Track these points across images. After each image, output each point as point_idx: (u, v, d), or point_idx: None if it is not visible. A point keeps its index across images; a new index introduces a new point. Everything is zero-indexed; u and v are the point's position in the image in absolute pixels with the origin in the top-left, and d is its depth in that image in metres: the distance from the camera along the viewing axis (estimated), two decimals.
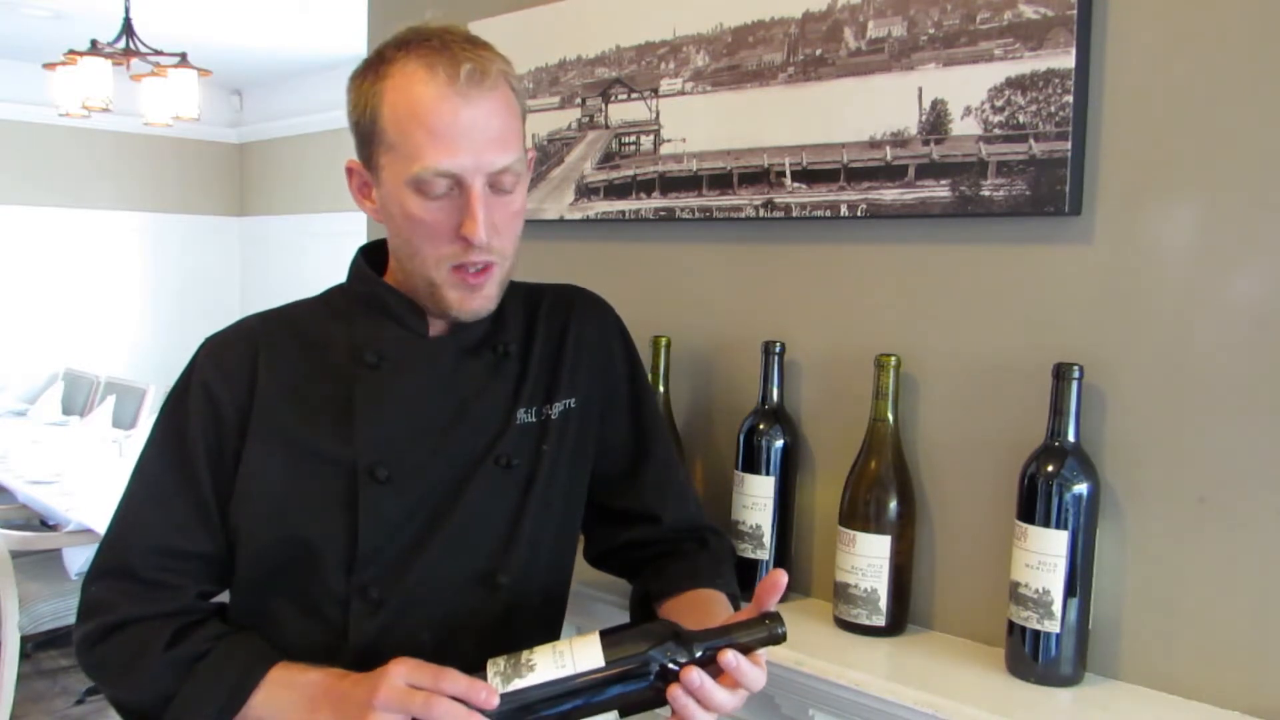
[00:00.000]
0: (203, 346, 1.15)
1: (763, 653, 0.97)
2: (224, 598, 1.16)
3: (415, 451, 1.10)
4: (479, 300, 1.10)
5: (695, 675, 0.92)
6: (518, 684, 0.92)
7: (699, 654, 0.94)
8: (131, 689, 1.07)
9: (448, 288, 1.09)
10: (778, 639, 0.95)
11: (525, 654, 0.95)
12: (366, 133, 1.09)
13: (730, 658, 0.93)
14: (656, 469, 1.24)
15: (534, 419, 1.16)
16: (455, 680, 0.92)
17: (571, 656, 0.93)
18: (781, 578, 0.98)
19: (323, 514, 1.09)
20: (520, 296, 1.23)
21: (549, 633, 1.21)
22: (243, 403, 1.10)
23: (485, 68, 1.04)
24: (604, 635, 0.96)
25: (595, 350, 1.23)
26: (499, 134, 1.05)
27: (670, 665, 0.93)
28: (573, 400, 1.19)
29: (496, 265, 1.10)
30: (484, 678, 0.93)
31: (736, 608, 1.15)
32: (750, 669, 0.94)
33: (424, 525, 1.10)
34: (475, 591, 1.11)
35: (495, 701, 0.91)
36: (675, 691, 0.93)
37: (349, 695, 0.97)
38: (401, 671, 0.93)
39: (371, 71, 1.08)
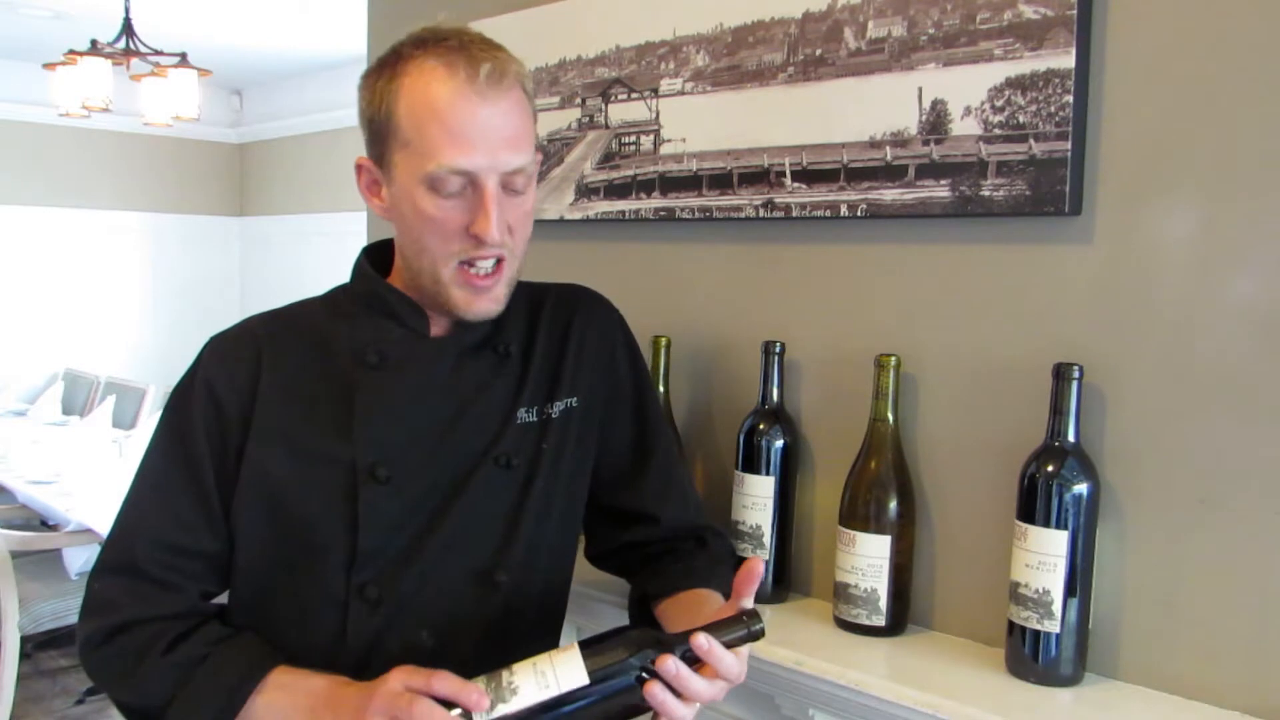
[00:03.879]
0: (207, 345, 1.16)
1: (745, 650, 0.97)
2: (223, 598, 1.16)
3: (415, 451, 1.11)
4: (486, 301, 1.10)
5: (671, 664, 0.93)
6: (501, 710, 0.92)
7: (679, 655, 0.95)
8: (132, 692, 1.07)
9: (454, 287, 1.09)
10: (756, 636, 0.96)
11: (506, 675, 0.94)
12: (380, 129, 1.08)
13: (702, 639, 0.93)
14: (658, 470, 1.24)
15: (534, 418, 1.16)
16: (446, 681, 0.92)
17: (554, 676, 0.93)
18: (758, 565, 0.99)
19: (323, 514, 1.09)
20: (523, 295, 1.23)
21: (549, 632, 1.21)
22: (245, 402, 1.11)
23: (503, 68, 1.05)
24: (584, 647, 0.96)
25: (598, 350, 1.23)
26: (514, 134, 1.06)
27: (651, 671, 0.94)
28: (574, 399, 1.19)
29: (506, 264, 1.10)
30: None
31: None
32: (724, 654, 0.94)
33: (423, 524, 1.10)
34: (474, 590, 1.11)
35: (486, 704, 0.91)
36: (652, 685, 0.93)
37: (347, 700, 0.97)
38: (399, 677, 0.94)
39: (388, 69, 1.08)
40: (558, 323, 1.22)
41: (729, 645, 0.95)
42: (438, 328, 1.16)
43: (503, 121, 1.05)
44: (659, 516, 1.22)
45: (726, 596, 1.15)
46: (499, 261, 1.09)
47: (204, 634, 1.07)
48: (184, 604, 1.09)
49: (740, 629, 0.95)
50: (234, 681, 1.02)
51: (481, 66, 1.04)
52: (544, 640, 1.20)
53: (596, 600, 1.37)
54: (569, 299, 1.25)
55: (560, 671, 0.93)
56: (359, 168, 1.15)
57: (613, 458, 1.23)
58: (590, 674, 0.93)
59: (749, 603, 1.00)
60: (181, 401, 1.13)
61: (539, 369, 1.18)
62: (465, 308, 1.10)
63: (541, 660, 0.95)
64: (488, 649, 1.09)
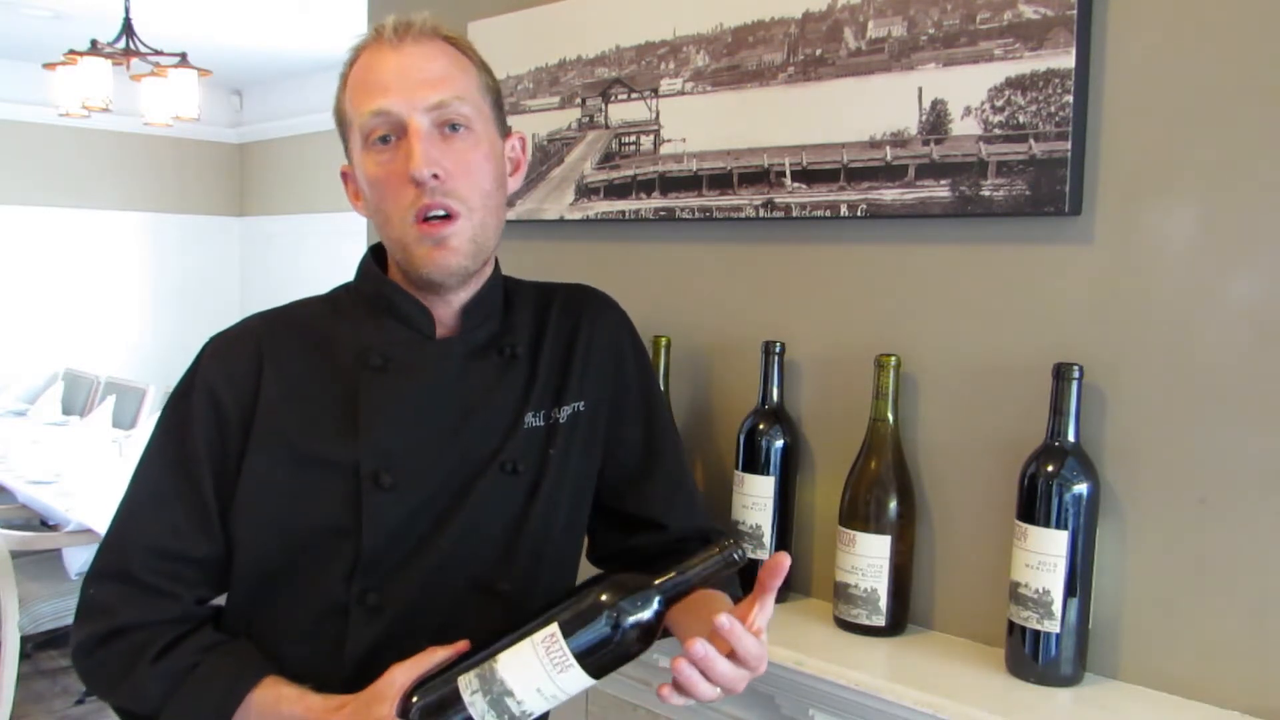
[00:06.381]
0: (207, 346, 1.14)
1: (764, 637, 0.97)
2: (220, 601, 1.16)
3: (420, 456, 1.09)
4: (446, 254, 1.07)
5: (700, 646, 0.92)
6: None
7: (659, 599, 0.94)
8: (124, 697, 1.07)
9: (417, 246, 1.07)
10: (733, 562, 0.94)
11: (503, 693, 0.92)
12: (340, 127, 1.14)
13: (724, 620, 0.93)
14: (665, 475, 1.23)
15: (541, 422, 1.14)
16: (436, 653, 0.97)
17: (558, 688, 0.92)
18: (785, 560, 0.96)
19: (325, 519, 1.08)
20: (530, 295, 1.22)
21: None
22: (247, 406, 1.09)
23: (411, 20, 1.09)
24: (578, 655, 0.92)
25: (606, 353, 1.21)
26: (434, 76, 1.08)
27: (640, 618, 0.93)
28: (581, 403, 1.18)
29: (461, 216, 1.07)
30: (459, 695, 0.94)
31: None
32: (743, 634, 0.93)
33: (426, 532, 1.09)
34: (476, 599, 1.10)
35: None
36: (680, 664, 0.92)
37: None
38: (394, 692, 0.95)
39: (340, 78, 1.14)
40: (565, 324, 1.20)
41: (710, 575, 0.94)
42: (443, 328, 1.15)
43: (418, 64, 1.08)
44: (665, 523, 1.21)
45: (731, 596, 1.15)
46: (450, 216, 1.07)
47: (196, 640, 1.07)
48: (178, 610, 1.08)
49: (716, 558, 0.94)
50: (220, 694, 1.02)
51: (388, 22, 1.09)
52: None
53: None
54: (576, 300, 1.24)
55: (562, 682, 0.92)
56: (344, 176, 1.18)
57: (619, 462, 1.22)
58: (591, 669, 0.92)
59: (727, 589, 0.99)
60: (181, 403, 1.11)
61: (546, 372, 1.17)
62: (427, 263, 1.07)
63: (537, 671, 0.92)
64: None
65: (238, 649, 1.07)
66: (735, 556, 0.94)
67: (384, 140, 1.07)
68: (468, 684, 0.93)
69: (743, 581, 1.30)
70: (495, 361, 1.15)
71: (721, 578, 1.02)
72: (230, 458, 1.09)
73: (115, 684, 1.07)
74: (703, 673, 0.93)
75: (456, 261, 1.08)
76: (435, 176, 1.05)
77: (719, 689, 0.95)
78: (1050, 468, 1.09)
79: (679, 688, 0.94)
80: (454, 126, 1.08)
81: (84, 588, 1.10)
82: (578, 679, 0.92)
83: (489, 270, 1.17)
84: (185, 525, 1.09)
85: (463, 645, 0.98)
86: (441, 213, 1.06)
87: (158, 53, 4.39)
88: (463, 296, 1.14)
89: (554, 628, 0.93)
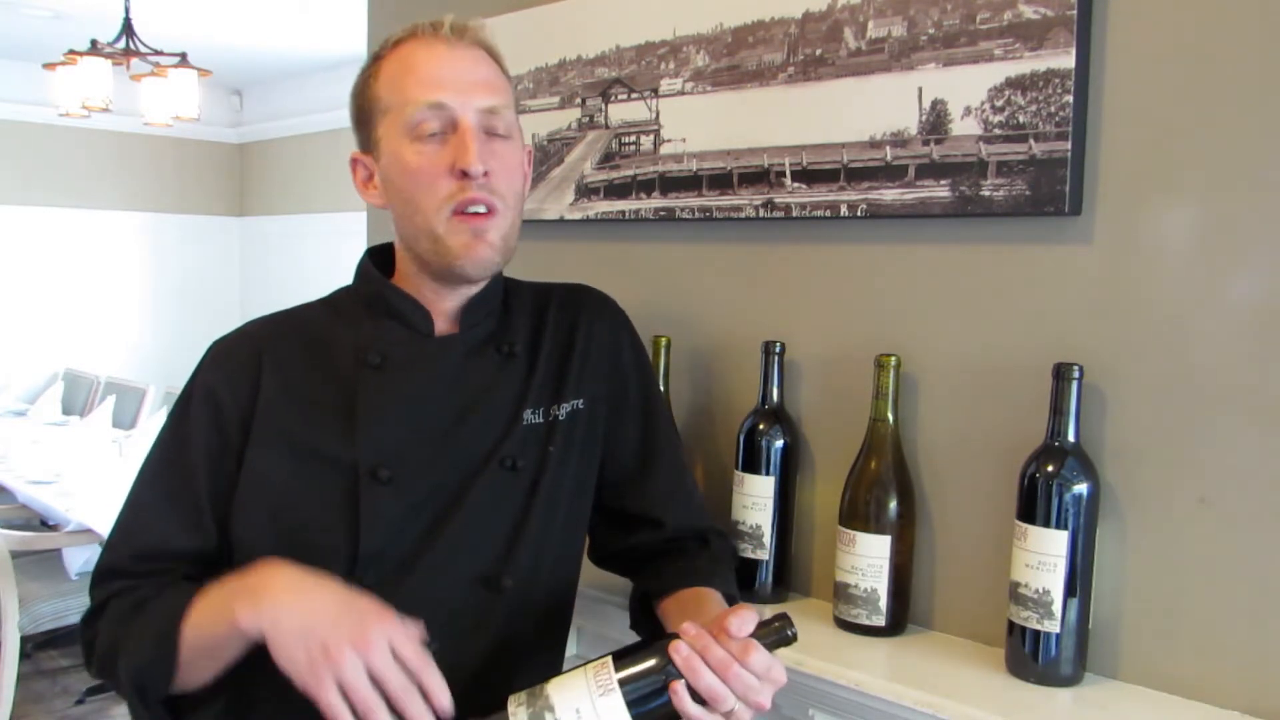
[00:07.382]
0: (208, 351, 1.16)
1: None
2: None
3: (418, 452, 1.10)
4: (483, 248, 1.10)
5: (690, 624, 0.94)
6: None
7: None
8: (126, 673, 1.05)
9: (451, 236, 1.09)
10: (787, 640, 0.96)
11: (545, 699, 0.93)
12: (365, 112, 1.14)
13: (688, 625, 0.94)
14: (663, 473, 1.23)
15: (540, 419, 1.15)
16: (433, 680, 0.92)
17: (594, 710, 0.93)
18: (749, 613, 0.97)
19: (324, 516, 1.08)
20: (528, 295, 1.23)
21: (554, 638, 1.20)
22: (246, 405, 1.10)
23: (465, 24, 1.13)
24: (616, 660, 0.95)
25: (604, 351, 1.22)
26: (484, 78, 1.11)
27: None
28: (580, 401, 1.18)
29: (499, 211, 1.10)
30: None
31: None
32: (711, 643, 0.93)
33: (426, 528, 1.09)
34: (478, 595, 1.10)
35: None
36: (677, 645, 0.92)
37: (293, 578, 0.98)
38: (399, 629, 0.93)
39: (370, 66, 1.14)
40: (563, 323, 1.21)
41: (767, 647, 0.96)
42: (441, 326, 1.15)
43: (471, 66, 1.11)
44: (664, 520, 1.21)
45: (727, 596, 1.15)
46: (490, 211, 1.09)
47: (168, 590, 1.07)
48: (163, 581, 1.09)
49: (772, 633, 0.96)
50: (169, 609, 1.02)
51: (445, 20, 1.12)
52: (549, 647, 1.20)
53: (602, 602, 1.36)
54: (575, 299, 1.25)
55: (601, 708, 0.93)
56: (353, 162, 1.18)
57: (618, 460, 1.22)
58: (628, 700, 0.93)
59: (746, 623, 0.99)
60: (181, 410, 1.13)
61: (545, 369, 1.17)
62: (465, 255, 1.09)
63: (580, 696, 0.93)
64: (492, 655, 1.09)
65: (190, 584, 1.06)
66: (790, 633, 0.97)
67: (430, 134, 1.09)
68: (516, 699, 0.95)
69: (741, 582, 1.30)
70: (494, 359, 1.16)
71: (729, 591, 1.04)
72: (230, 457, 1.10)
73: (112, 663, 1.06)
74: (699, 650, 0.92)
75: (490, 255, 1.11)
76: (485, 173, 1.08)
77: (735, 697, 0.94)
78: (1050, 468, 1.09)
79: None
80: (495, 131, 1.11)
81: (90, 591, 1.12)
82: (616, 708, 0.93)
83: None
84: (180, 524, 1.10)
85: None
86: (483, 208, 1.09)
87: (158, 53, 4.39)
88: (463, 294, 1.15)
89: (608, 658, 0.96)
